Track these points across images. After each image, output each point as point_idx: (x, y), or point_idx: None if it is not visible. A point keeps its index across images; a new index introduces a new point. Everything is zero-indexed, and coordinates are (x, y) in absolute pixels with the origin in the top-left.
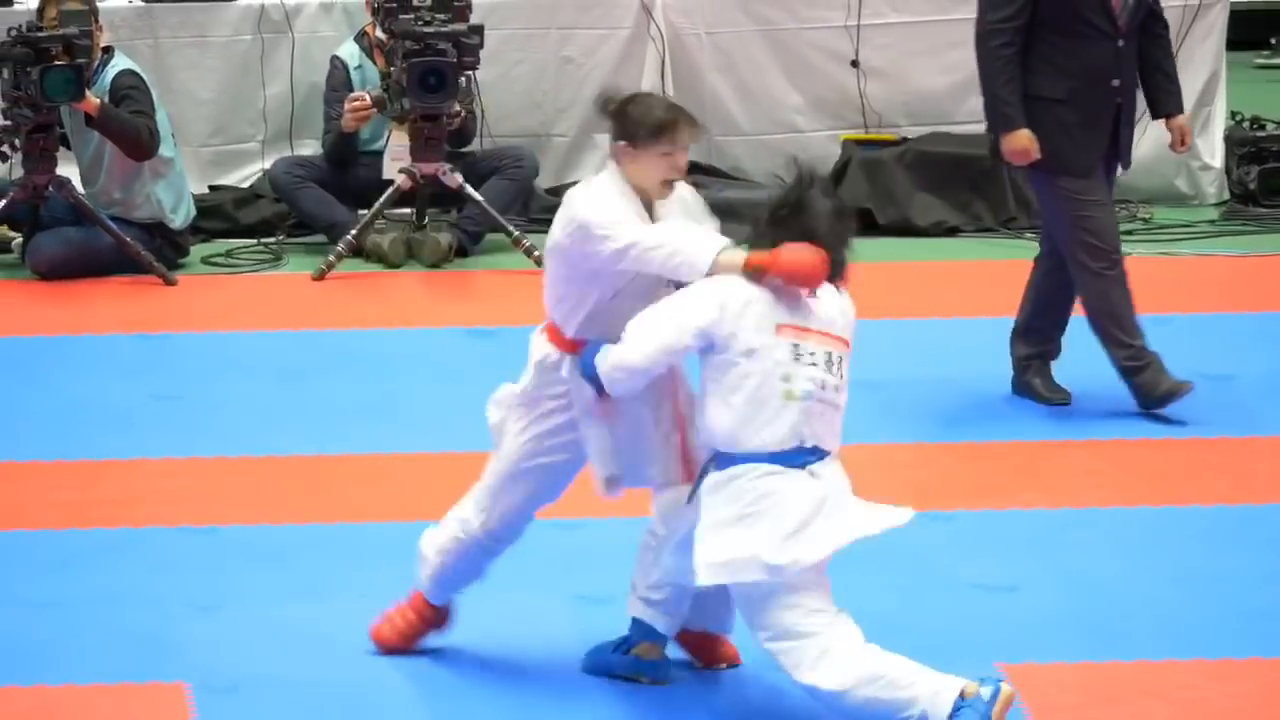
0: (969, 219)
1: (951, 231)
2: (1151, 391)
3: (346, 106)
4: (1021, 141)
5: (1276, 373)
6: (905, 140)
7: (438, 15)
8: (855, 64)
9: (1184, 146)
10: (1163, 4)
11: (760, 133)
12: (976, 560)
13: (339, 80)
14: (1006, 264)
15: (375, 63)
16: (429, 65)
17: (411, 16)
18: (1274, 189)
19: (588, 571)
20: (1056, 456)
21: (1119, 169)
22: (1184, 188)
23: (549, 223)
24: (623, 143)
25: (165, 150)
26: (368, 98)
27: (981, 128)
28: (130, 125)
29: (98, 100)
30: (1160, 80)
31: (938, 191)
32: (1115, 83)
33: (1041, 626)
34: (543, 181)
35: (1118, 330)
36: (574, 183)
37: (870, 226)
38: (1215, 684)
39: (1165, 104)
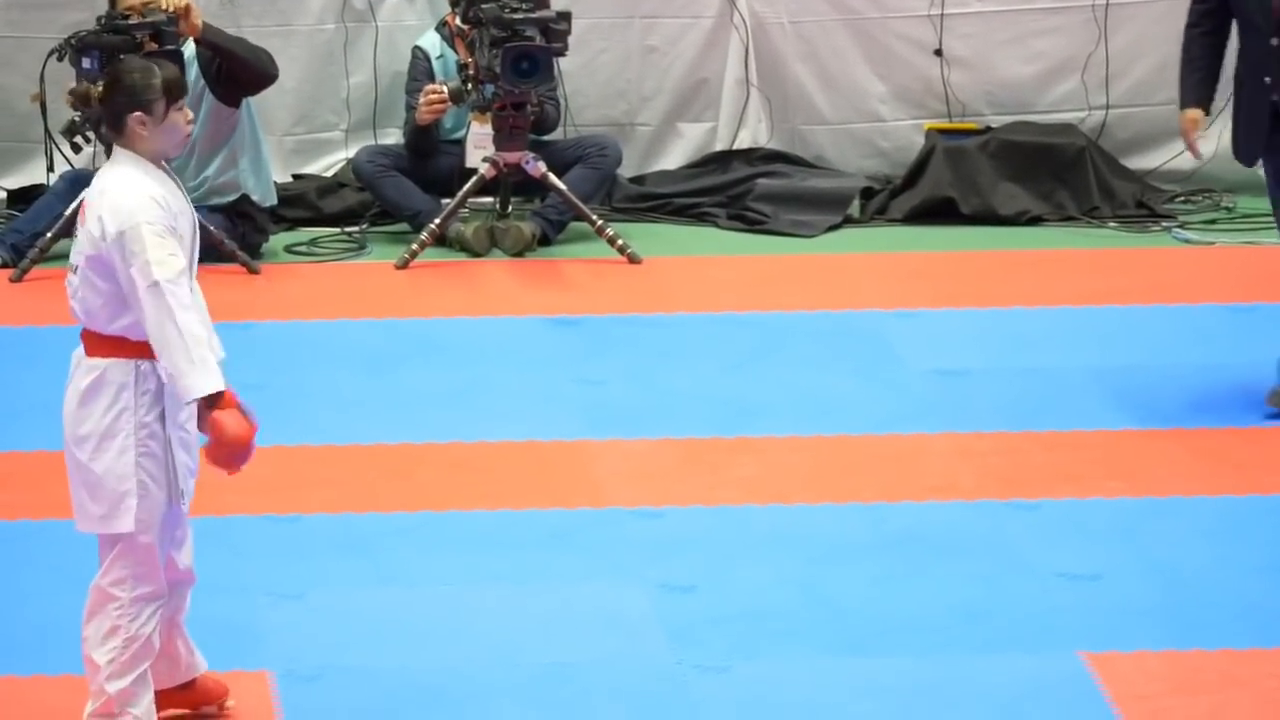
0: (1052, 208)
1: (1035, 221)
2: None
3: (421, 100)
4: (1183, 120)
5: None
6: (989, 129)
7: (523, 3)
8: (939, 53)
9: None
10: None
11: (844, 122)
12: (1060, 549)
13: (420, 70)
14: (1090, 253)
15: (456, 52)
16: (521, 50)
17: (496, 4)
18: None
19: (670, 560)
20: (1140, 445)
21: None
22: None
23: (632, 211)
24: (138, 114)
25: (251, 131)
26: (445, 90)
27: (1065, 116)
28: (245, 42)
29: (199, 22)
30: None
31: (1021, 181)
32: (1266, 79)
33: (1125, 615)
34: (626, 170)
35: None
36: (659, 172)
37: (953, 215)
38: None
39: None
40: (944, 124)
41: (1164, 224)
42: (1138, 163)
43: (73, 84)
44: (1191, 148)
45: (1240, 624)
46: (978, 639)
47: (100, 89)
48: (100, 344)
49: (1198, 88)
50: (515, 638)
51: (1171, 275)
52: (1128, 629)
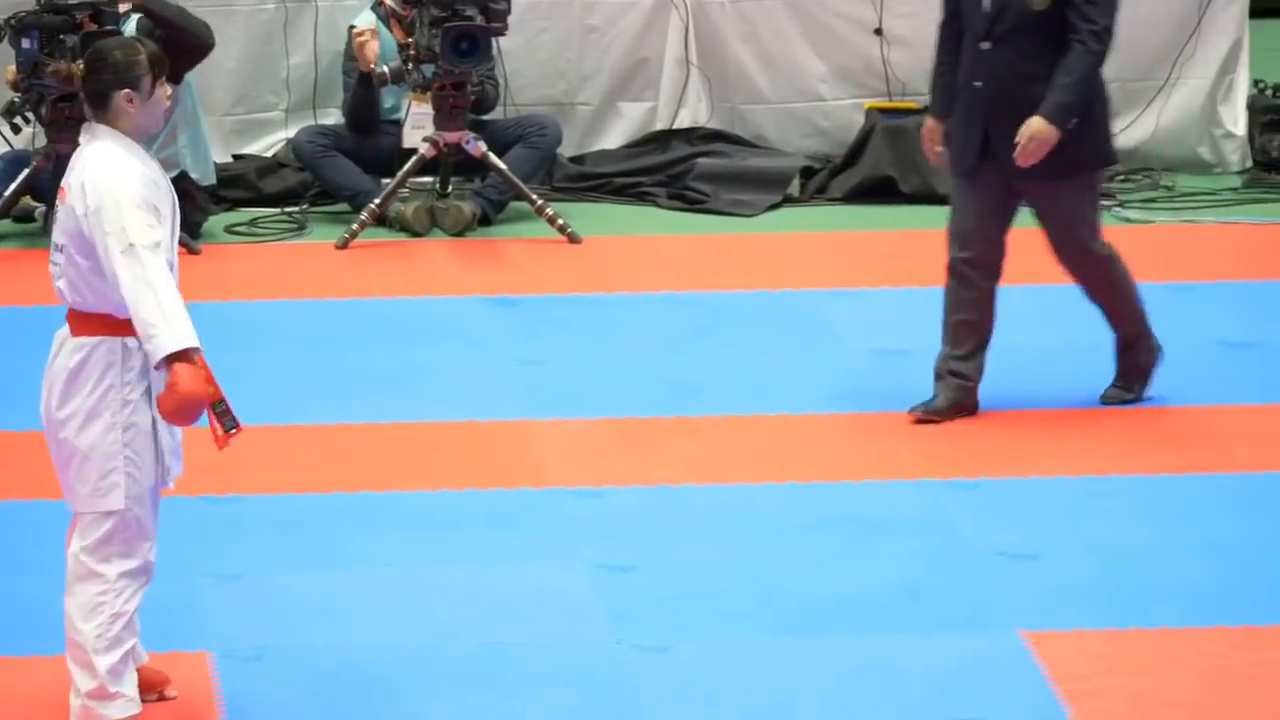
0: None
1: None
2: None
3: (354, 47)
4: (924, 129)
5: None
6: (929, 108)
7: None
8: (879, 32)
9: (1022, 156)
10: None
11: (784, 101)
12: (999, 528)
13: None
14: (1029, 232)
15: (392, 32)
16: (461, 30)
17: None
18: None
19: (609, 540)
20: (1079, 424)
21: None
22: (1207, 155)
23: (572, 191)
24: (127, 91)
25: (191, 109)
26: (367, 33)
27: None
28: (184, 10)
29: None
30: (1050, 85)
31: None
32: (977, 84)
33: (1064, 593)
34: (566, 150)
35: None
36: (599, 151)
37: (893, 194)
38: (1237, 651)
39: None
40: (884, 103)
41: (1103, 203)
42: None
43: (11, 65)
44: (929, 155)
45: (1179, 603)
46: (917, 618)
47: (82, 68)
48: (87, 322)
49: (942, 93)
50: (455, 618)
51: None
52: (1067, 608)
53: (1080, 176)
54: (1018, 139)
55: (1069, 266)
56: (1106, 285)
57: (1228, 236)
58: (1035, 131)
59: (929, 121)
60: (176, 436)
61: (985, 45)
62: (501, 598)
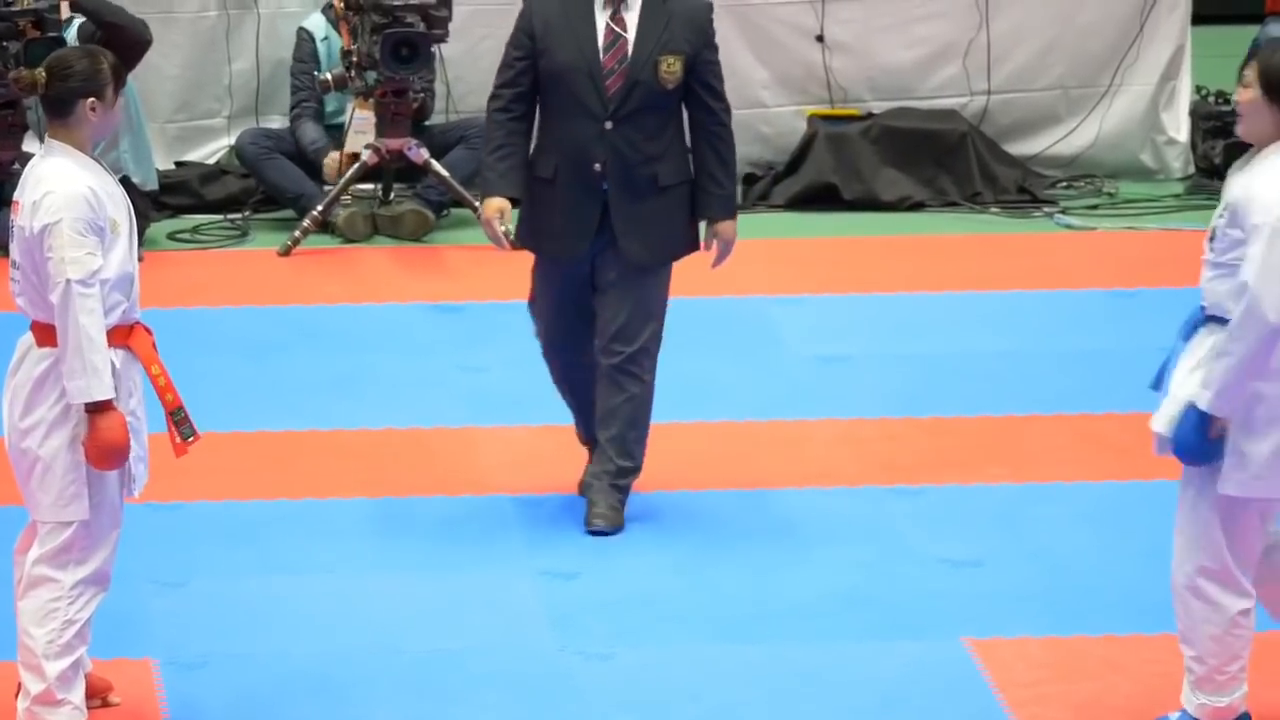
0: (934, 194)
1: (917, 206)
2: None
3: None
4: (487, 209)
5: None
6: (871, 115)
7: None
8: (820, 39)
9: (716, 262)
10: None
11: None
12: (943, 535)
13: (306, 52)
14: (972, 239)
15: (341, 35)
16: (401, 36)
17: None
18: None
19: (553, 547)
20: (1023, 431)
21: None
22: (1149, 162)
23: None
24: (92, 100)
25: (135, 114)
26: (329, 77)
27: (947, 102)
28: (122, 9)
29: None
30: (704, 181)
31: (903, 166)
32: (597, 166)
33: (1007, 601)
34: None
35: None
36: None
37: (836, 201)
38: (1180, 658)
39: (704, 206)
40: (826, 110)
41: (1046, 209)
42: (1019, 148)
43: None
44: (497, 239)
45: (1122, 610)
46: (861, 625)
47: (44, 75)
48: (51, 334)
49: (508, 175)
50: (398, 625)
51: (1053, 260)
52: (1010, 615)
53: (670, 265)
54: (711, 248)
55: (624, 363)
56: (645, 403)
57: (1170, 243)
58: (731, 237)
59: (496, 200)
60: (142, 444)
61: (608, 125)
62: (446, 605)
